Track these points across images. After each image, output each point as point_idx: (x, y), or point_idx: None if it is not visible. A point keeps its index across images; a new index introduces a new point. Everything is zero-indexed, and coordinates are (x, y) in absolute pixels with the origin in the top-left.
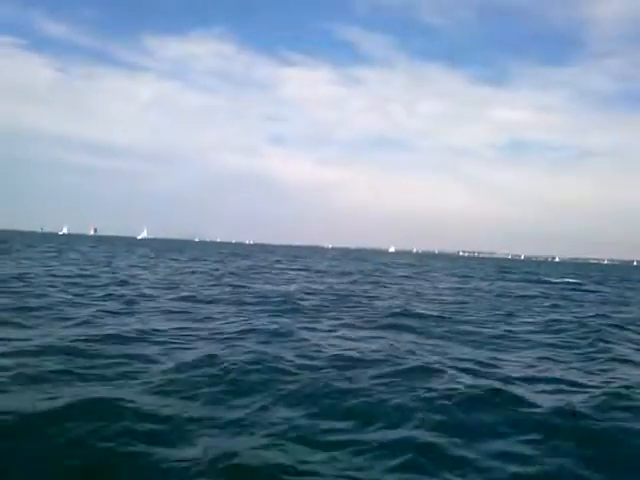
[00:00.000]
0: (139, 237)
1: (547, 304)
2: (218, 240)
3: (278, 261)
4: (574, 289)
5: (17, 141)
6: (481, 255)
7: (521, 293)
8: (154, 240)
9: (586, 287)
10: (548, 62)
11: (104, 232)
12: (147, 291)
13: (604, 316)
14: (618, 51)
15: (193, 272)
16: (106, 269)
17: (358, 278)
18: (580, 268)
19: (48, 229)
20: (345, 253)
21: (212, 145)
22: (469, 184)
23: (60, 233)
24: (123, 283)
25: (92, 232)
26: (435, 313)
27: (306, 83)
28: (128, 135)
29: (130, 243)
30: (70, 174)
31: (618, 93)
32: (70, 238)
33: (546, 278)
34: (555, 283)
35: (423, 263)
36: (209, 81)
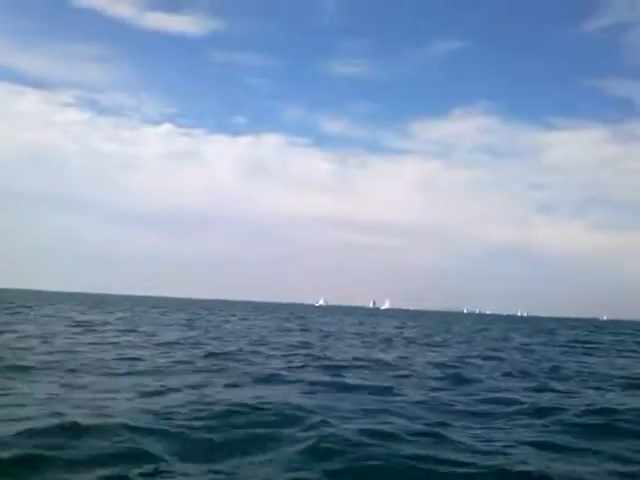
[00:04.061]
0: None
1: None
2: (488, 312)
3: None
4: None
5: (302, 224)
6: None
7: None
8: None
9: None
10: None
11: (334, 302)
12: None
13: None
14: None
15: None
16: None
17: None
18: None
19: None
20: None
21: (476, 219)
22: None
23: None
24: None
25: (371, 305)
26: None
27: (573, 145)
28: (393, 214)
29: None
30: (345, 251)
31: None
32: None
33: None
34: None
35: None
36: (472, 156)
